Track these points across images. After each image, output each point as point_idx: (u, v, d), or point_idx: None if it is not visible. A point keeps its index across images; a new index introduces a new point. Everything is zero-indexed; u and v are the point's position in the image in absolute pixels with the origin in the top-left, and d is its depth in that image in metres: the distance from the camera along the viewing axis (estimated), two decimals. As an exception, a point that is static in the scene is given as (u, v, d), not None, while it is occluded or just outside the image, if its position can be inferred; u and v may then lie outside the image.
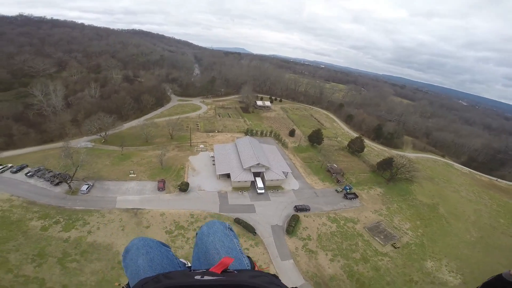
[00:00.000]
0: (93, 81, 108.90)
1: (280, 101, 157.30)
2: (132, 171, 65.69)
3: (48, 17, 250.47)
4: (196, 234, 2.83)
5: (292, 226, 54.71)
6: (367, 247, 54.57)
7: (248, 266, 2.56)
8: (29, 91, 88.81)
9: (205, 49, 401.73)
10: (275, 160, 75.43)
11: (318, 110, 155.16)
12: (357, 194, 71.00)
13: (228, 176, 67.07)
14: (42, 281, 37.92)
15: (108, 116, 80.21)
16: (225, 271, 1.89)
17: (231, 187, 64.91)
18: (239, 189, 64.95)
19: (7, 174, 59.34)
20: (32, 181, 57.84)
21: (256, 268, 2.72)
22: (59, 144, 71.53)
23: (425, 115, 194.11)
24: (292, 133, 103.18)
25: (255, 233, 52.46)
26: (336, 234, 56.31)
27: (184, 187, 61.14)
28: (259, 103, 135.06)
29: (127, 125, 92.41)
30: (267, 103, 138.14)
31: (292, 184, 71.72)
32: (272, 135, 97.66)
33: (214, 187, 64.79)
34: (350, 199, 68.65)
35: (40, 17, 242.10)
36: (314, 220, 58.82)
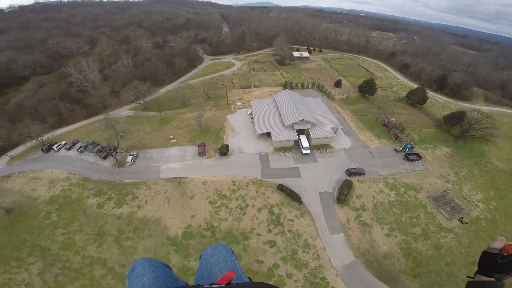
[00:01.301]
0: (124, 52, 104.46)
1: (320, 51, 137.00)
2: (172, 136, 61.87)
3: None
4: (200, 255, 2.87)
5: (343, 194, 45.89)
6: (430, 221, 44.64)
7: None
8: (66, 71, 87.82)
9: (230, 6, 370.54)
10: (321, 115, 64.01)
11: (366, 59, 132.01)
12: (420, 154, 57.52)
13: (268, 135, 59.07)
14: (104, 261, 37.58)
15: (143, 84, 75.80)
16: (228, 284, 2.08)
17: (272, 148, 57.27)
18: (282, 149, 56.99)
19: (63, 151, 59.82)
20: (83, 156, 57.41)
21: None
22: (102, 116, 70.92)
23: (498, 66, 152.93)
24: (338, 84, 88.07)
25: (301, 201, 45.48)
26: (394, 204, 46.60)
27: (224, 151, 55.34)
28: (296, 54, 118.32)
29: (163, 90, 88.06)
30: (305, 53, 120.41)
31: (343, 142, 61.13)
32: (315, 86, 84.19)
33: (255, 148, 57.86)
34: (412, 160, 56.14)
35: (58, 1, 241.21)
36: (369, 187, 49.27)
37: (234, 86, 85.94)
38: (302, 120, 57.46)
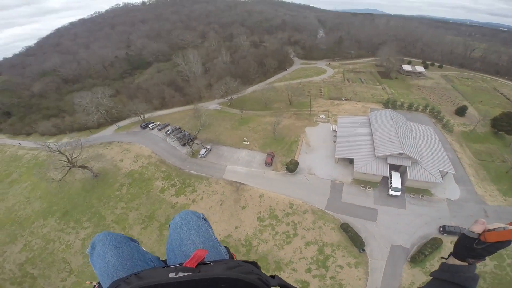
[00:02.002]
0: (224, 48, 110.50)
1: (440, 67, 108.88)
2: (245, 139, 59.54)
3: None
4: (169, 225, 2.51)
5: (424, 253, 34.17)
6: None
7: (226, 255, 2.35)
8: (175, 61, 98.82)
9: (328, 11, 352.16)
10: (429, 150, 48.14)
11: (508, 83, 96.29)
12: None
13: (350, 161, 48.16)
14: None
15: (233, 81, 76.79)
16: (200, 264, 1.71)
17: (351, 178, 46.50)
18: (363, 183, 45.44)
19: (155, 131, 66.51)
20: (169, 139, 61.86)
21: (234, 259, 2.46)
22: (198, 105, 75.87)
23: None
24: (461, 111, 65.73)
25: (363, 249, 35.78)
26: (486, 277, 32.52)
27: (292, 167, 48.32)
28: (407, 67, 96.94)
29: (250, 89, 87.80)
30: (419, 68, 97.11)
31: (449, 190, 44.62)
32: (427, 110, 65.05)
33: (329, 173, 48.34)
34: None
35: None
36: None
37: (321, 95, 76.61)
38: (402, 153, 43.72)
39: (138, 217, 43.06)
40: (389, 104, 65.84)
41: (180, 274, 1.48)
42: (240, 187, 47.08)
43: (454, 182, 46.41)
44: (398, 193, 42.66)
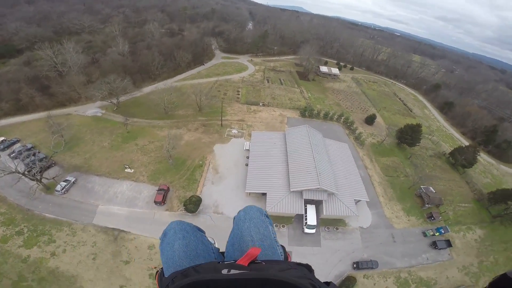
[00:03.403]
0: (120, 36, 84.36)
1: (351, 69, 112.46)
2: (127, 166, 41.64)
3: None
4: (234, 218, 2.48)
5: None
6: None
7: (281, 255, 2.21)
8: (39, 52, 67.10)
9: (260, 5, 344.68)
10: (346, 176, 42.89)
11: (403, 88, 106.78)
12: (451, 241, 42.28)
13: (263, 193, 38.38)
14: None
15: (119, 79, 55.90)
16: (253, 262, 1.71)
17: None
18: (277, 219, 37.26)
19: None
20: (13, 165, 37.29)
21: (289, 260, 2.37)
22: (71, 109, 54.75)
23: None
24: (370, 120, 64.87)
25: None
26: None
27: (191, 207, 35.39)
28: (324, 69, 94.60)
29: (149, 89, 67.05)
30: (335, 70, 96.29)
31: (362, 217, 41.32)
32: (342, 120, 61.07)
33: (239, 209, 35.94)
34: (439, 249, 40.63)
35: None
36: (375, 284, 34.24)
37: (238, 98, 64.00)
38: (319, 188, 35.96)
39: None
40: (306, 112, 59.19)
41: (232, 271, 1.46)
42: (119, 235, 33.61)
43: (367, 206, 43.14)
44: (313, 231, 36.21)
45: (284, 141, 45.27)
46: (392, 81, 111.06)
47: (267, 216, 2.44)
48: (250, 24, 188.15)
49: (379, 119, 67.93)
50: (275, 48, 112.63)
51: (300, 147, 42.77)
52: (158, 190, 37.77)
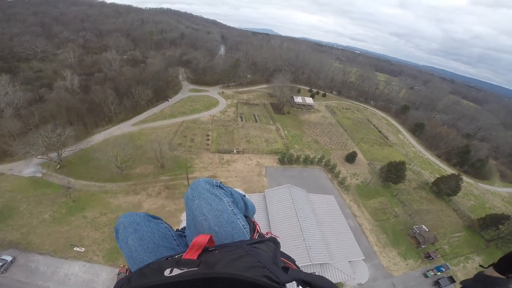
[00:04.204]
0: (67, 68, 73.64)
1: (324, 95, 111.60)
2: (74, 246, 32.51)
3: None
4: (183, 198, 2.07)
5: None
6: None
7: (245, 228, 1.88)
8: None
9: (232, 28, 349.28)
10: (337, 237, 37.41)
11: (375, 112, 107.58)
12: (453, 275, 40.84)
13: None
14: None
15: (59, 129, 45.35)
16: (206, 250, 1.42)
17: None
18: None
19: None
20: None
21: (257, 231, 2.17)
22: (4, 167, 43.98)
23: (507, 125, 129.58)
24: (351, 158, 61.04)
25: None
26: None
27: None
28: (298, 99, 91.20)
29: (100, 136, 56.39)
30: (309, 99, 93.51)
31: (359, 272, 36.92)
32: (323, 163, 55.99)
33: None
34: (443, 287, 38.39)
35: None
36: None
37: (208, 146, 55.77)
38: (310, 264, 29.59)
39: None
40: (285, 158, 52.94)
41: (176, 271, 1.24)
42: None
43: (362, 260, 37.98)
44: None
45: (265, 205, 38.25)
46: (363, 105, 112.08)
47: (220, 186, 2.01)
48: (222, 49, 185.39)
49: (359, 154, 64.54)
50: (248, 76, 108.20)
51: (284, 214, 36.24)
52: (118, 274, 29.71)
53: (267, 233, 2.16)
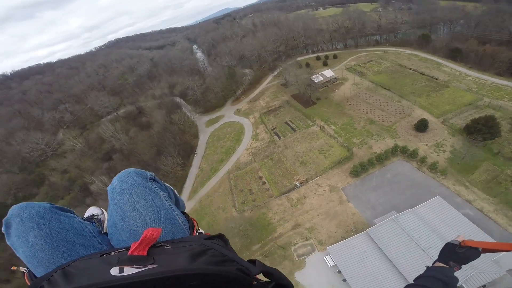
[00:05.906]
0: (84, 157, 70.15)
1: (335, 57, 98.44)
2: None
3: (8, 70, 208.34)
4: (107, 189, 1.83)
5: None
6: None
7: (185, 226, 1.77)
8: None
9: (192, 26, 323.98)
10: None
11: (398, 52, 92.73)
12: None
13: None
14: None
15: None
16: (154, 246, 1.27)
17: None
18: None
19: None
20: None
21: (196, 228, 1.98)
22: None
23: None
24: (422, 127, 52.37)
25: None
26: None
27: None
28: (317, 78, 78.48)
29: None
30: (328, 72, 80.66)
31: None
32: (398, 151, 48.46)
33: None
34: None
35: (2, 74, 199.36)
36: None
37: (269, 191, 49.98)
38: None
39: None
40: (357, 170, 45.82)
41: (127, 270, 1.08)
42: None
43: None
44: None
45: (373, 242, 33.70)
46: (380, 49, 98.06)
47: (154, 179, 1.84)
48: (199, 52, 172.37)
49: (426, 115, 55.77)
50: (248, 78, 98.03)
51: (404, 248, 31.81)
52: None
53: (207, 233, 1.93)
